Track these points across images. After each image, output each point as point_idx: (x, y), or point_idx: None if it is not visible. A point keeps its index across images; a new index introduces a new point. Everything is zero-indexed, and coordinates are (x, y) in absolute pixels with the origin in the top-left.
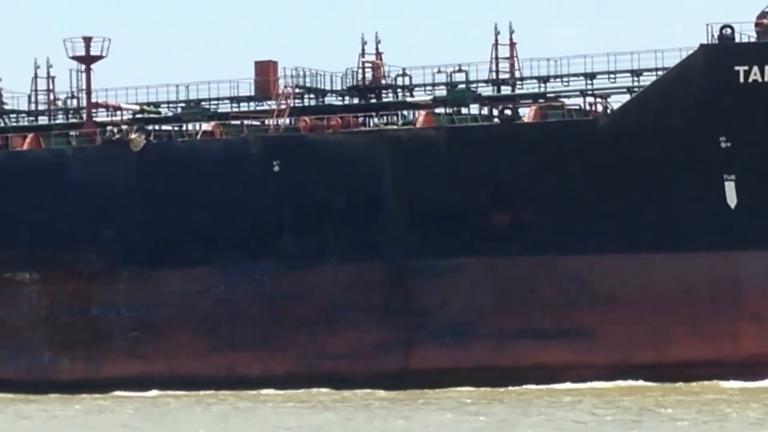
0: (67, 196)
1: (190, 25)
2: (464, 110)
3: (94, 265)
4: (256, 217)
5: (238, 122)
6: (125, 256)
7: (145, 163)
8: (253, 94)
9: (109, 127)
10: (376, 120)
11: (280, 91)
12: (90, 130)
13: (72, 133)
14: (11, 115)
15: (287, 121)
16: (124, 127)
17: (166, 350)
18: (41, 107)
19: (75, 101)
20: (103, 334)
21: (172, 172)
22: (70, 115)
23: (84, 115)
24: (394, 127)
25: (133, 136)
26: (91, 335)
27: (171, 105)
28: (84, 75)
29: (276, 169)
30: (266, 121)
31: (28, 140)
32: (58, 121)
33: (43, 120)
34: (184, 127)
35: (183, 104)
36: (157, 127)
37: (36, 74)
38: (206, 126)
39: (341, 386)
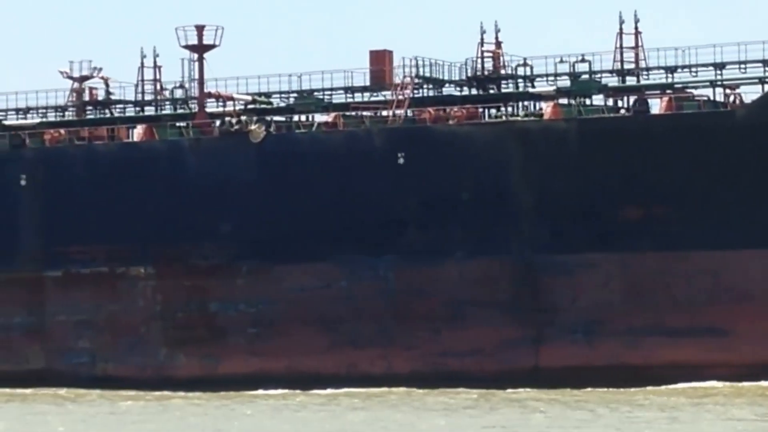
0: (184, 189)
1: (304, 14)
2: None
3: (211, 259)
4: (380, 211)
5: (352, 113)
6: (244, 251)
7: (265, 155)
8: (367, 84)
9: (227, 118)
10: (494, 111)
11: (400, 81)
12: (203, 121)
13: (180, 124)
14: (118, 106)
15: (405, 112)
16: (243, 117)
17: (286, 347)
18: (148, 97)
19: (182, 91)
20: (220, 331)
21: (293, 164)
22: (177, 106)
23: (192, 106)
24: (524, 118)
25: (253, 127)
26: (208, 331)
27: (283, 95)
28: (196, 64)
29: (401, 161)
30: (383, 112)
31: (141, 131)
32: (165, 112)
33: (149, 110)
34: (296, 118)
35: (295, 95)
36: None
37: (142, 64)
38: (326, 117)
39: (467, 385)
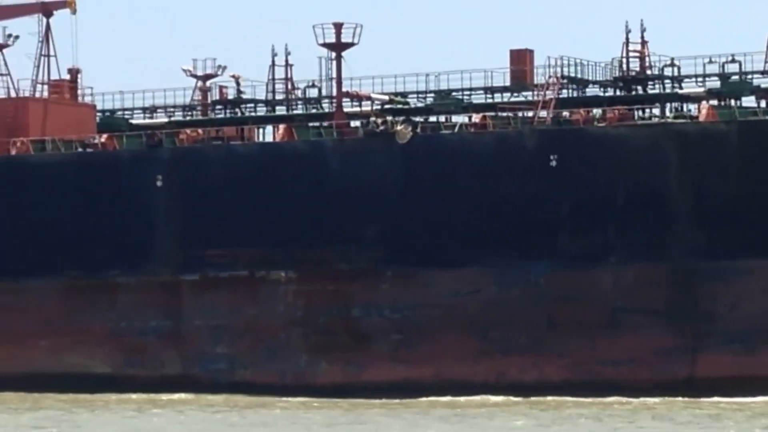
0: (326, 191)
1: (443, 13)
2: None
3: (355, 263)
4: (531, 214)
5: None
6: (389, 255)
7: (412, 157)
8: (508, 84)
9: (372, 118)
10: (642, 113)
11: (544, 82)
12: (341, 121)
13: (313, 124)
14: (249, 105)
15: (550, 113)
16: (389, 118)
17: (432, 354)
18: (279, 96)
19: (316, 90)
20: (363, 337)
21: (441, 166)
22: (310, 105)
23: (325, 105)
24: (680, 120)
25: (399, 128)
26: (351, 337)
27: (420, 95)
28: (334, 63)
29: (553, 163)
30: (527, 113)
31: (280, 131)
32: (297, 112)
33: (280, 110)
34: (432, 118)
35: (432, 95)
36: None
37: (273, 62)
38: (464, 118)
39: (620, 394)
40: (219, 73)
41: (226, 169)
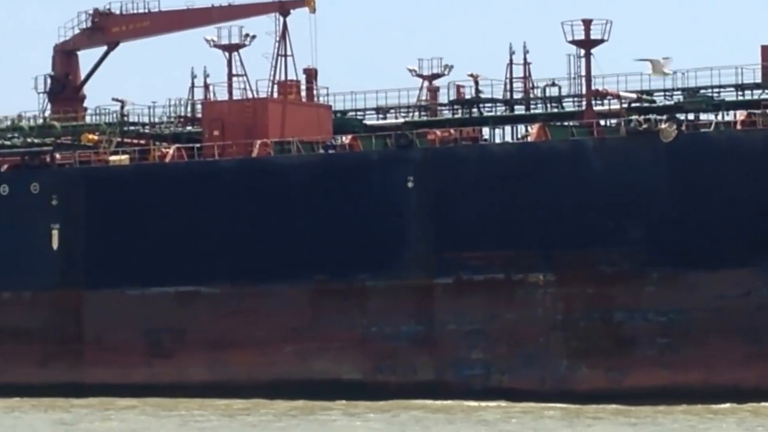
0: (587, 190)
1: (690, 7)
2: None
3: (618, 265)
4: None
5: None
6: (654, 256)
7: (677, 155)
8: (759, 81)
9: (634, 117)
10: None
11: None
12: (590, 120)
13: (553, 123)
14: (487, 105)
15: None
16: (652, 116)
17: (700, 359)
18: (517, 96)
19: (556, 89)
20: (627, 341)
21: (707, 165)
22: (550, 104)
23: (566, 103)
24: None
25: (663, 126)
26: (613, 342)
27: (666, 93)
28: (583, 60)
29: None
30: None
31: (534, 131)
32: (536, 111)
33: (519, 109)
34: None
35: (680, 93)
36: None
37: (511, 60)
38: (738, 115)
39: None
40: (446, 72)
41: (481, 169)
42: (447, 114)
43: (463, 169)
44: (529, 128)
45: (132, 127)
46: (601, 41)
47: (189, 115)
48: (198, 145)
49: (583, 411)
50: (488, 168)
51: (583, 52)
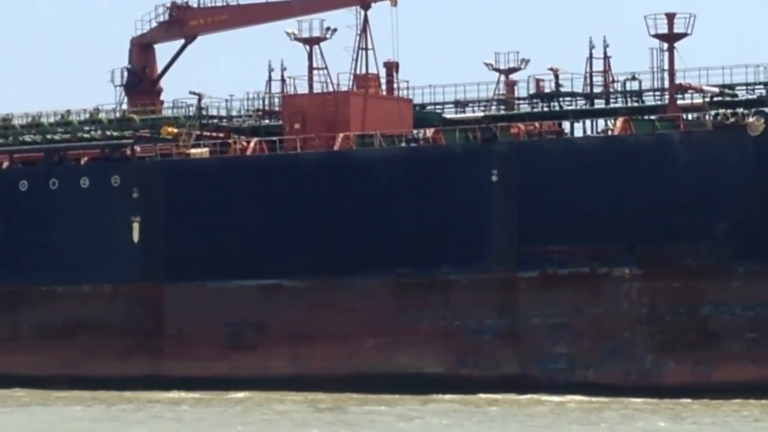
0: (673, 184)
1: None
2: None
3: (704, 259)
4: None
5: None
6: (741, 250)
7: (765, 149)
8: None
9: (721, 110)
10: None
11: None
12: (675, 114)
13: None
14: (567, 99)
15: None
16: (739, 110)
17: None
18: (597, 90)
19: (636, 83)
20: (713, 336)
21: None
22: (630, 98)
23: (646, 97)
24: None
25: (750, 120)
26: (700, 336)
27: (749, 87)
28: (666, 54)
29: None
30: None
31: (618, 124)
32: (616, 105)
33: (599, 103)
34: None
35: (762, 86)
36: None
37: (591, 54)
38: None
39: None
40: (522, 66)
41: (566, 163)
42: (525, 108)
43: (548, 163)
44: (608, 122)
45: (210, 121)
46: (684, 35)
47: (266, 108)
48: (279, 138)
49: (671, 405)
50: (573, 161)
51: (666, 45)
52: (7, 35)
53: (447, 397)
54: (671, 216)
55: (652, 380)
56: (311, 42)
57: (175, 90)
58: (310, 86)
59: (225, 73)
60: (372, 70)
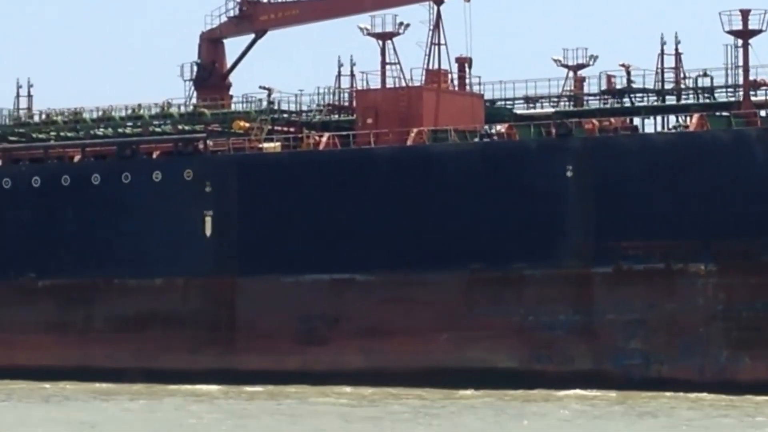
0: (750, 180)
1: None
2: None
3: None
4: None
5: None
6: None
7: None
8: None
9: None
10: None
11: None
12: (749, 111)
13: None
14: (638, 94)
15: None
16: None
17: None
18: (668, 86)
19: (708, 80)
20: None
21: None
22: (702, 95)
23: (717, 94)
24: None
25: None
26: None
27: None
28: (741, 50)
29: None
30: None
31: (694, 121)
32: (687, 101)
33: (670, 100)
34: None
35: None
36: None
37: (662, 51)
38: None
39: None
40: (590, 63)
41: (641, 159)
42: (594, 104)
43: (623, 159)
44: (680, 119)
45: (281, 115)
46: (759, 32)
47: (336, 103)
48: (352, 132)
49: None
50: (648, 157)
51: (740, 42)
52: (78, 30)
53: (534, 392)
54: (747, 212)
55: (727, 376)
56: (384, 37)
57: (244, 85)
58: (383, 81)
59: (294, 68)
60: (444, 65)
